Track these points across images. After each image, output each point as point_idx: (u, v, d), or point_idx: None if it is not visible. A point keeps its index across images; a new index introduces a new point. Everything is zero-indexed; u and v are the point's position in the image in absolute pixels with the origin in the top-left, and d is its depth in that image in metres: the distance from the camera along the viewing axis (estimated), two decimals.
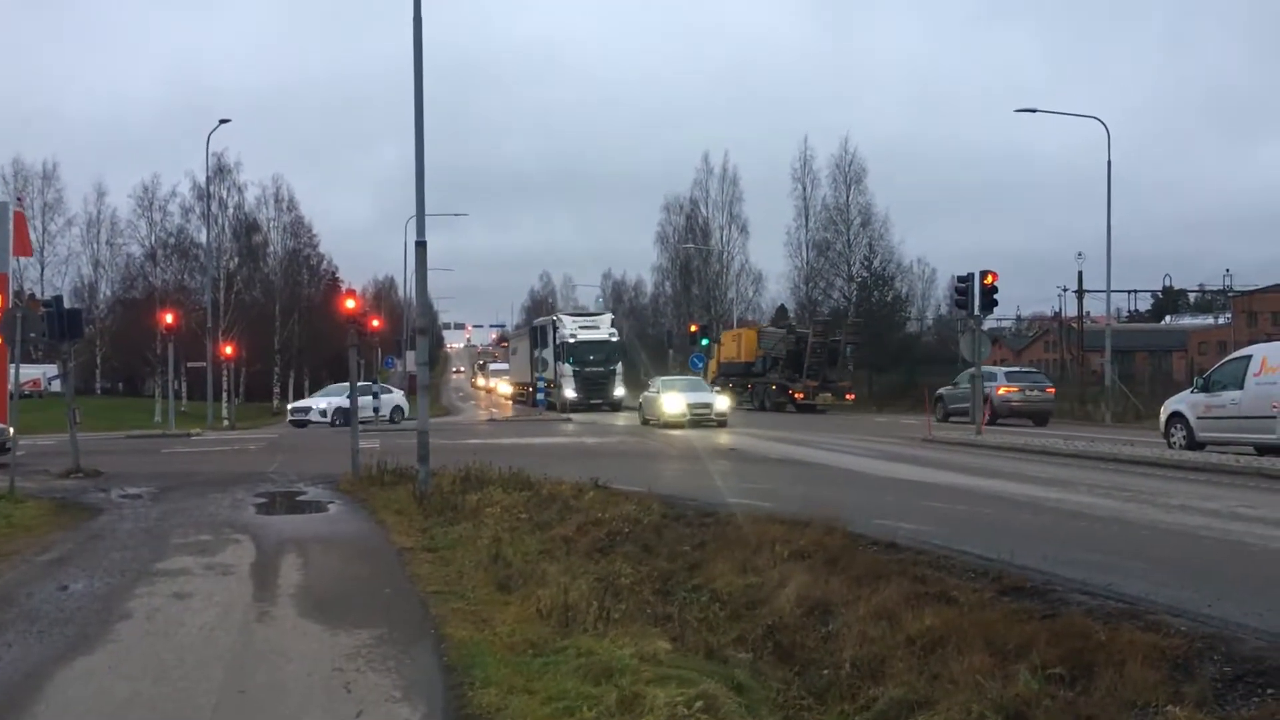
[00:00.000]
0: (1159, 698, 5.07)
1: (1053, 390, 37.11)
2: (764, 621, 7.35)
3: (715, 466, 19.74)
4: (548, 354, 52.15)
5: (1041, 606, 6.85)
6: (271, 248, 68.06)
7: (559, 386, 49.27)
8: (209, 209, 53.40)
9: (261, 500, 15.78)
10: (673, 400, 33.35)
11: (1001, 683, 5.49)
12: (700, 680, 5.83)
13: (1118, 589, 7.35)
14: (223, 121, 45.44)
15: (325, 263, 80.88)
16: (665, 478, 15.83)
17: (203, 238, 54.66)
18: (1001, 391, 34.74)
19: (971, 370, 28.01)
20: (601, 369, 50.03)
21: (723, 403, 34.72)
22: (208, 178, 51.29)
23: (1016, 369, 40.60)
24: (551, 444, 27.14)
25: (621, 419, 40.62)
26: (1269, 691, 5.10)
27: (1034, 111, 37.71)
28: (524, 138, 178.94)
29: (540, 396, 53.34)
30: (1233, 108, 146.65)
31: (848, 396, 46.90)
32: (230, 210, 60.82)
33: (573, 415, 44.22)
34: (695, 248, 73.94)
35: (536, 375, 54.01)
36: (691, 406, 33.10)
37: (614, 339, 51.68)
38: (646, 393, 36.45)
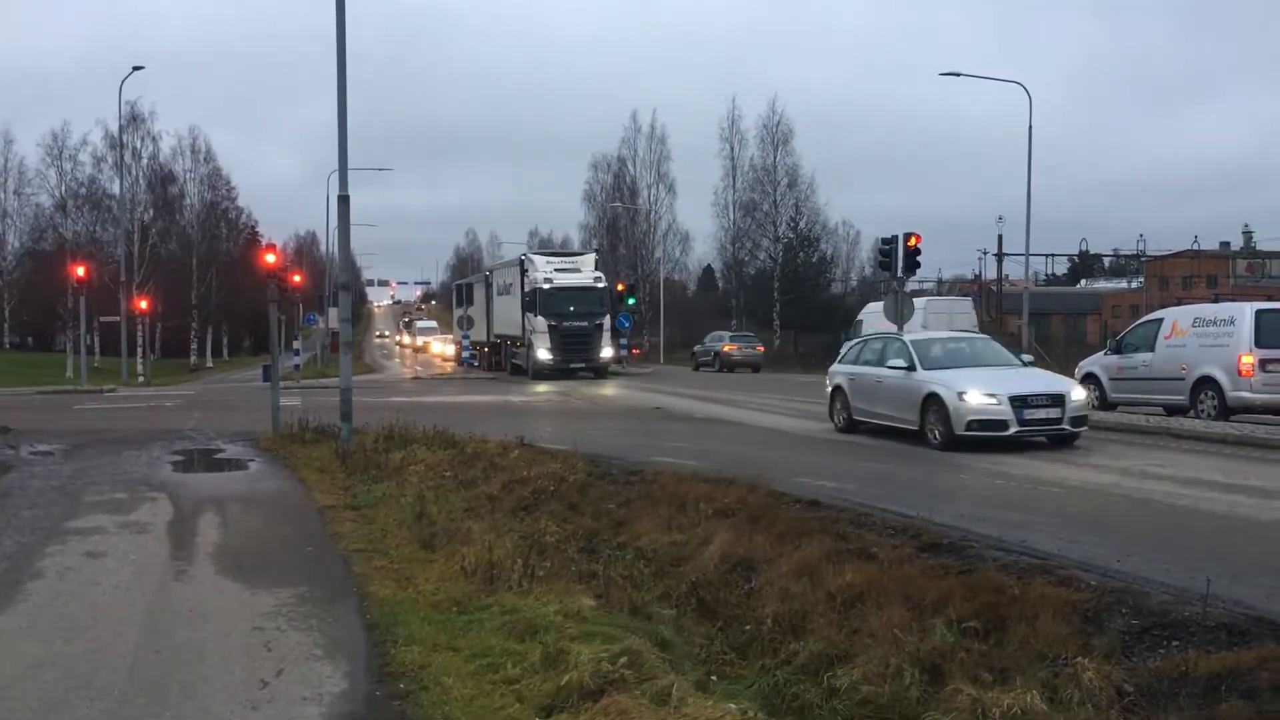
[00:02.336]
0: (1069, 650, 5.22)
1: (761, 349, 50.22)
2: (688, 578, 7.42)
3: (641, 425, 19.80)
4: (509, 304, 41.51)
5: (958, 562, 7.01)
6: (188, 200, 66.31)
7: (529, 346, 38.19)
8: (121, 159, 51.72)
9: (178, 458, 15.47)
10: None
11: (919, 636, 5.62)
12: (624, 636, 5.87)
13: (1031, 545, 7.54)
14: (136, 68, 43.98)
15: (245, 216, 79.20)
16: (591, 436, 15.84)
17: (115, 189, 53.05)
18: (726, 349, 48.39)
19: (885, 331, 28.33)
20: (585, 324, 37.63)
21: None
22: (120, 126, 49.64)
23: (738, 333, 52.80)
24: (478, 402, 26.98)
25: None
26: (1174, 643, 5.28)
27: (958, 75, 38.06)
28: (458, 94, 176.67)
29: (467, 355, 50.45)
30: (1156, 79, 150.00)
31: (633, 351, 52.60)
32: (145, 161, 59.01)
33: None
34: (623, 206, 73.61)
35: (495, 332, 44.73)
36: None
37: (600, 285, 39.09)
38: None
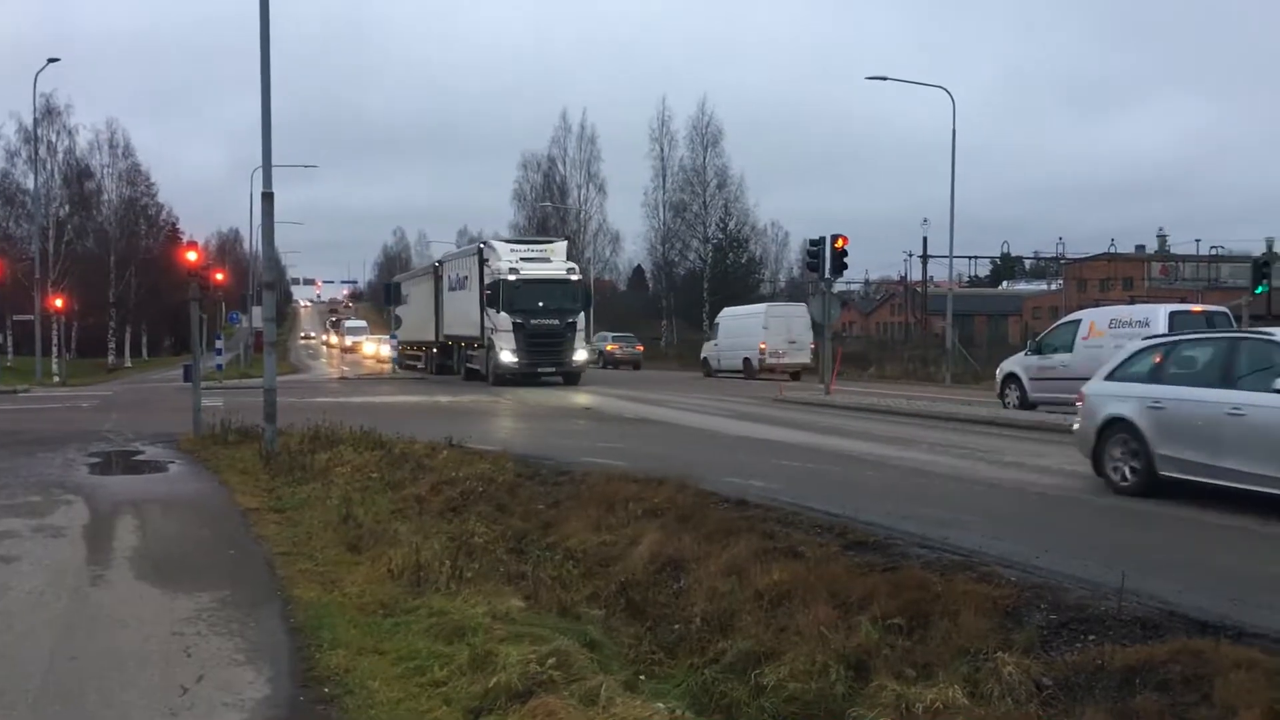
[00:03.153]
0: (990, 645, 5.33)
1: (641, 348, 53.61)
2: (617, 579, 7.43)
3: (571, 426, 19.78)
4: (464, 300, 35.98)
5: (883, 560, 7.11)
6: (106, 196, 64.56)
7: (490, 347, 32.67)
8: (35, 153, 50.21)
9: (95, 460, 15.07)
10: None
11: (844, 633, 5.69)
12: (553, 637, 5.86)
13: (954, 542, 7.67)
14: (51, 60, 42.83)
15: (165, 213, 77.34)
16: (521, 436, 15.78)
17: (30, 184, 51.52)
18: (610, 348, 51.48)
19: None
20: (555, 322, 32.15)
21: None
22: (35, 120, 48.22)
23: (620, 334, 55.15)
24: (406, 402, 26.71)
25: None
26: (1090, 637, 5.41)
27: (884, 79, 38.55)
28: (389, 92, 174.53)
29: (393, 356, 47.56)
30: (1079, 86, 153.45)
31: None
32: (60, 155, 57.31)
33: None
34: (553, 206, 73.43)
35: (445, 333, 38.95)
36: None
37: (574, 278, 33.44)
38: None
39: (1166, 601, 5.87)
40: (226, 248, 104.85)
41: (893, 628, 5.75)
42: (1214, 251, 71.30)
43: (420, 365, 44.72)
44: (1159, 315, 18.51)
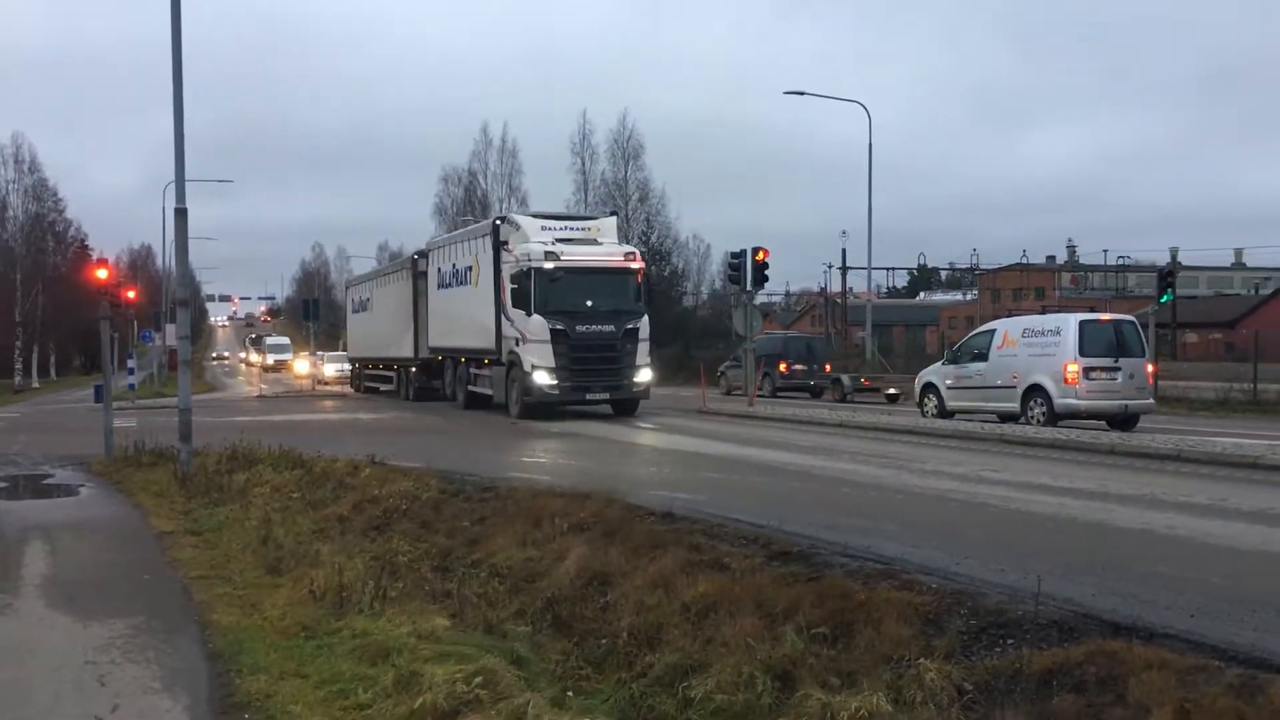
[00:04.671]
0: (912, 652, 5.41)
1: None
2: (544, 594, 7.40)
3: (495, 440, 19.65)
4: (464, 300, 26.79)
5: (807, 570, 7.17)
6: (11, 212, 62.77)
7: (515, 364, 23.37)
8: None
9: (1, 484, 14.59)
10: None
11: (770, 644, 5.73)
12: (479, 656, 5.82)
13: (876, 550, 7.77)
14: None
15: (75, 229, 75.39)
16: (444, 453, 15.62)
17: None
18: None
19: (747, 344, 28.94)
20: (610, 327, 23.08)
21: None
22: None
23: None
24: (327, 420, 26.32)
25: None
26: (1009, 641, 5.52)
27: (802, 94, 39.16)
28: (307, 106, 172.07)
29: (337, 372, 44.21)
30: (992, 102, 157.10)
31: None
32: None
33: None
34: (475, 220, 73.05)
35: (432, 344, 29.93)
36: None
37: (634, 265, 23.92)
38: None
39: (1081, 604, 6.01)
40: (139, 264, 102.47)
41: (817, 637, 5.81)
42: (1121, 262, 73.46)
43: (390, 388, 35.68)
44: (1070, 324, 19.01)
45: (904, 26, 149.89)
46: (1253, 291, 71.88)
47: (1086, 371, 18.33)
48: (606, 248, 23.91)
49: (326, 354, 57.95)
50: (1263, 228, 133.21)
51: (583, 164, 68.79)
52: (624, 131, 67.39)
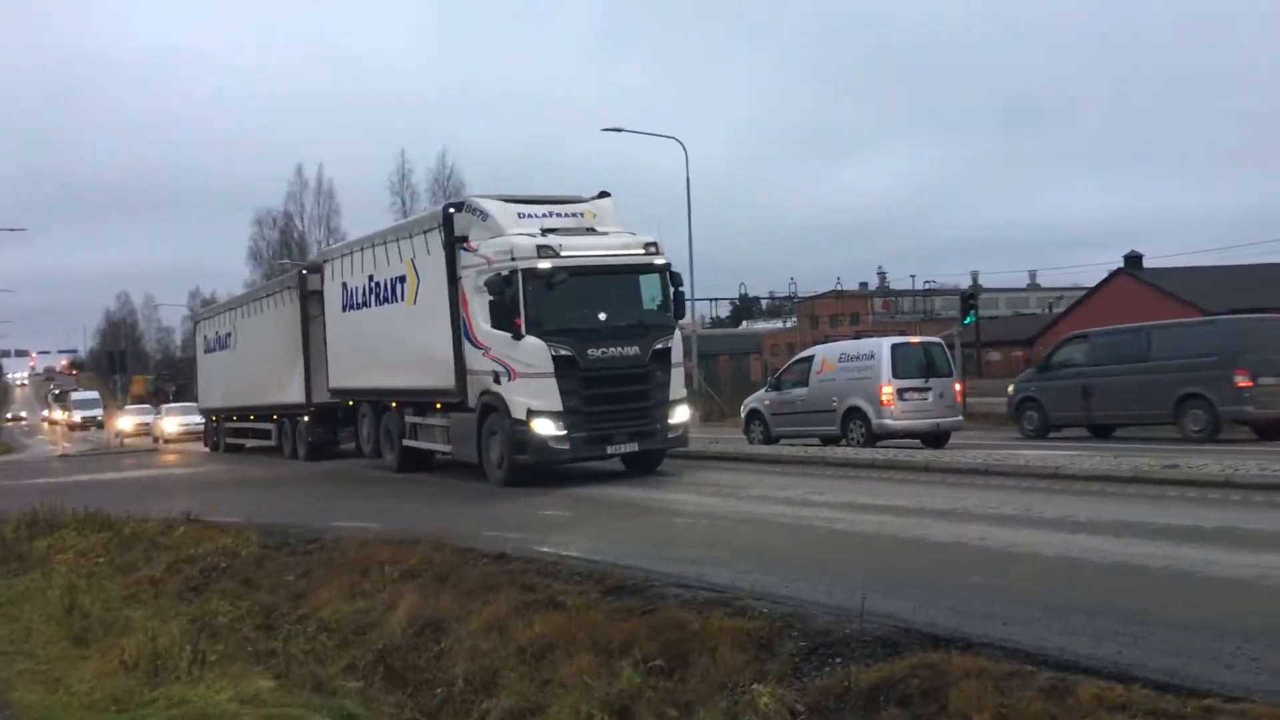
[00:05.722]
0: (746, 678, 5.50)
1: None
2: (375, 646, 7.21)
3: (315, 490, 19.04)
4: (397, 322, 19.45)
5: (642, 603, 7.21)
6: None
7: (491, 410, 16.29)
8: None
9: None
10: None
11: (608, 680, 5.73)
12: (308, 716, 5.63)
13: (709, 579, 7.87)
14: None
15: None
16: (264, 505, 15.03)
17: None
18: None
19: None
20: (637, 350, 16.04)
21: None
22: None
23: None
24: (137, 477, 24.98)
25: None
26: (838, 660, 5.68)
27: (619, 131, 39.60)
28: (116, 149, 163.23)
29: (178, 427, 38.37)
30: (809, 136, 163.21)
31: None
32: None
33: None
34: (291, 263, 71.05)
35: (342, 385, 22.27)
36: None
37: (658, 261, 16.94)
38: None
39: (903, 619, 6.24)
40: None
41: (654, 669, 5.84)
42: (928, 286, 77.34)
43: (268, 443, 28.39)
44: (883, 348, 19.81)
45: (722, 68, 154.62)
46: (1048, 310, 76.65)
47: (900, 393, 19.13)
48: (615, 238, 16.86)
49: (168, 405, 49.92)
50: (1054, 250, 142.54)
51: (403, 203, 68.16)
52: (444, 170, 67.25)
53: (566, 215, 17.19)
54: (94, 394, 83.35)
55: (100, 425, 65.32)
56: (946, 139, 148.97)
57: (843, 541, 9.78)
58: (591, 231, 16.90)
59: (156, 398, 63.48)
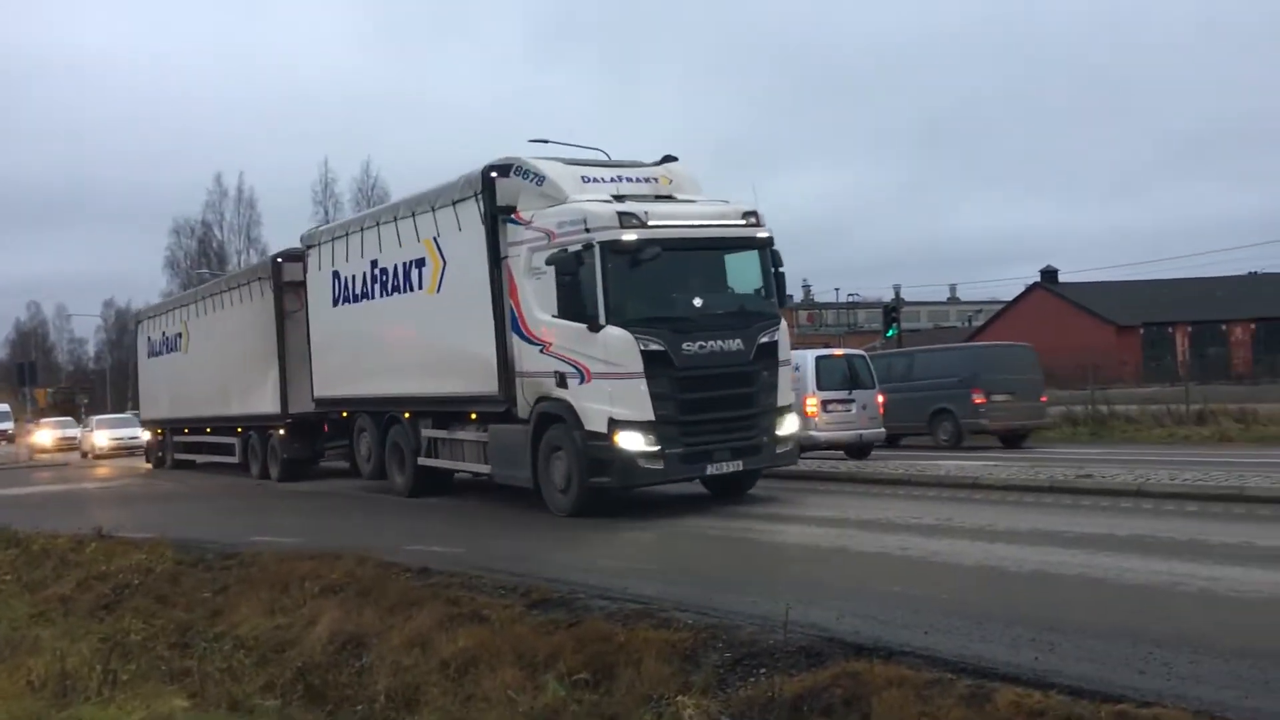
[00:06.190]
0: (671, 689, 5.50)
1: None
2: (294, 664, 7.07)
3: (236, 503, 18.66)
4: (414, 313, 15.98)
5: (567, 615, 7.17)
6: None
7: (571, 420, 12.56)
8: None
9: None
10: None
11: (532, 694, 5.69)
12: None
13: (634, 591, 7.85)
14: None
15: None
16: (180, 519, 14.68)
17: None
18: None
19: None
20: (740, 344, 12.77)
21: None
22: None
23: None
24: (45, 492, 24.22)
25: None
26: (762, 671, 5.70)
27: (545, 142, 39.29)
28: (26, 156, 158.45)
29: (113, 441, 34.72)
30: (737, 152, 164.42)
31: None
32: None
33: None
34: (210, 274, 69.63)
35: (335, 393, 18.60)
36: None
37: (761, 234, 13.55)
38: None
39: (827, 629, 6.29)
40: None
41: (580, 682, 5.81)
42: (851, 299, 78.36)
43: (230, 459, 24.20)
44: (808, 360, 19.97)
45: (649, 82, 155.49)
46: (967, 323, 78.13)
47: (825, 405, 19.32)
48: (707, 205, 13.87)
49: (100, 417, 44.23)
50: (973, 266, 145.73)
51: (326, 212, 67.04)
52: (368, 180, 66.47)
53: (639, 180, 14.23)
54: (4, 407, 79.94)
55: (10, 439, 62.73)
56: (870, 157, 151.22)
57: (769, 553, 9.86)
58: (671, 199, 13.86)
59: (57, 410, 60.97)
